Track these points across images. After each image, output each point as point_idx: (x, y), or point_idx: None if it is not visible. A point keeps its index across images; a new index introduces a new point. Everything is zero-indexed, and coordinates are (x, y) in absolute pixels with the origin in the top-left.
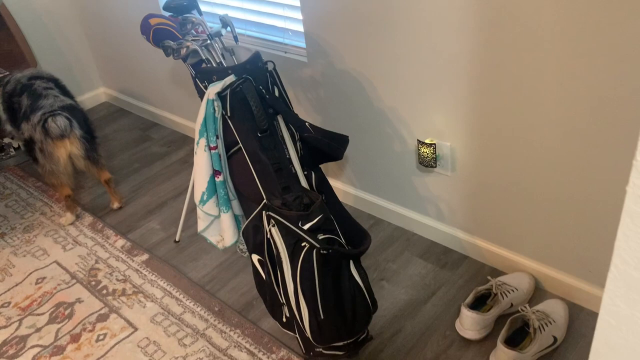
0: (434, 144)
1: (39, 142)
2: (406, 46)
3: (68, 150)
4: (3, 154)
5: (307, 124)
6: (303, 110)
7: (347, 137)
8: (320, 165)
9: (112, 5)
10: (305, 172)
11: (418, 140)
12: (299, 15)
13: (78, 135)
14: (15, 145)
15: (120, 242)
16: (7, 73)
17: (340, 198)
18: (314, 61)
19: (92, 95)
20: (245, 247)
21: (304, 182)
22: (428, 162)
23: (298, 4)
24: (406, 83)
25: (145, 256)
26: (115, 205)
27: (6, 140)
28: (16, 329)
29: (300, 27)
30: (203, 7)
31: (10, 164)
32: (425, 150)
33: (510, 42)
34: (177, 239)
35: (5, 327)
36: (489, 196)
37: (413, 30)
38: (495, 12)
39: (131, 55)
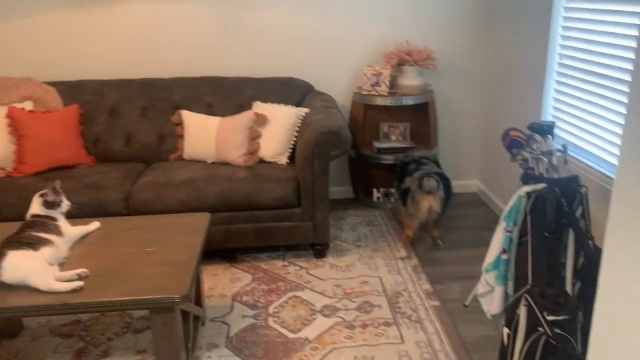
0: None
1: (413, 191)
2: None
3: (430, 203)
4: (387, 198)
5: (591, 243)
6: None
7: None
8: None
9: (503, 118)
10: (574, 282)
11: None
12: None
13: (441, 196)
14: (395, 197)
15: (426, 286)
16: (414, 146)
17: None
18: None
19: (464, 183)
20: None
21: (568, 288)
22: None
23: None
24: None
25: (437, 303)
26: (436, 242)
27: (393, 190)
28: (335, 302)
29: None
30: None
31: (387, 206)
32: None
33: None
34: (466, 304)
35: (331, 297)
36: None
37: None
38: None
39: (507, 159)
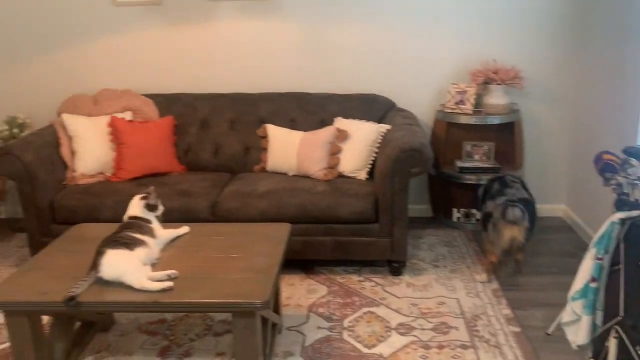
0: None
1: (495, 218)
2: None
3: (513, 234)
4: (467, 219)
5: None
6: None
7: None
8: None
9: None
10: None
11: None
12: None
13: (525, 226)
14: (477, 217)
15: (506, 311)
16: (498, 166)
17: None
18: None
19: (550, 207)
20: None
21: None
22: None
23: None
24: None
25: (517, 329)
26: (519, 266)
27: (474, 211)
28: (410, 321)
29: None
30: None
31: (468, 228)
32: None
33: None
34: (549, 332)
35: (406, 316)
36: None
37: None
38: None
39: (597, 183)
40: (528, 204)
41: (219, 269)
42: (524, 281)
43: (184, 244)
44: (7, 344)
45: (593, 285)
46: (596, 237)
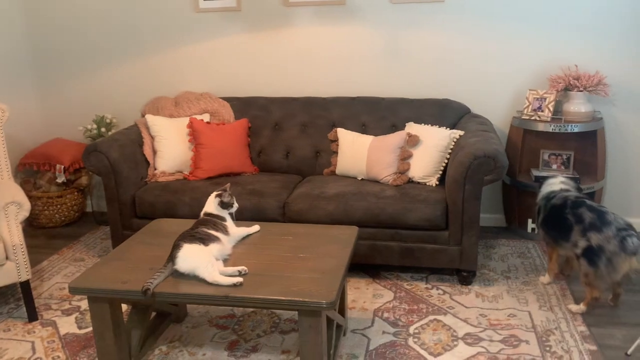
0: None
1: (609, 252)
2: None
3: (632, 266)
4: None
5: None
6: None
7: None
8: None
9: None
10: None
11: None
12: None
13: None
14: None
15: (582, 328)
16: (577, 177)
17: None
18: None
19: (636, 222)
20: None
21: None
22: None
23: None
24: None
25: (594, 347)
26: (617, 300)
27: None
28: (479, 331)
29: None
30: None
31: (539, 238)
32: None
33: None
34: (628, 353)
35: (474, 326)
36: None
37: None
38: None
39: None
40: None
41: (287, 268)
42: (603, 298)
43: (255, 242)
44: (90, 329)
45: None
46: None
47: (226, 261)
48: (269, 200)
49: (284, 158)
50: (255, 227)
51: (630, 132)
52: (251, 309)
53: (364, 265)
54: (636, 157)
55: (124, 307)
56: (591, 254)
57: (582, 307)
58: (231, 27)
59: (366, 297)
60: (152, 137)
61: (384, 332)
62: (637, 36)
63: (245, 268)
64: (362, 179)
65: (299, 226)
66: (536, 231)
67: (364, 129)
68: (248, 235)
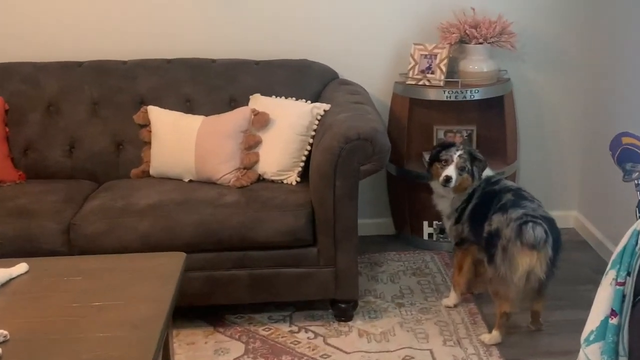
0: None
1: (506, 239)
2: None
3: (531, 264)
4: (443, 235)
5: None
6: None
7: None
8: None
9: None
10: None
11: None
12: None
13: (548, 255)
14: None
15: None
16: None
17: None
18: None
19: (558, 215)
20: None
21: None
22: None
23: None
24: None
25: None
26: (537, 321)
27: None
28: None
29: None
30: None
31: (442, 248)
32: None
33: None
34: None
35: None
36: None
37: None
38: None
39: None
40: (553, 227)
41: (77, 326)
42: (515, 314)
43: (22, 290)
44: None
45: (613, 321)
46: (615, 254)
47: None
48: (44, 223)
49: (66, 156)
50: (21, 267)
51: (545, 98)
52: None
53: (200, 308)
54: (553, 132)
55: None
56: (489, 244)
57: (495, 334)
58: None
59: (205, 355)
60: None
61: None
62: None
63: (6, 332)
64: (190, 181)
65: (93, 259)
66: (447, 230)
67: (188, 107)
68: (10, 280)
